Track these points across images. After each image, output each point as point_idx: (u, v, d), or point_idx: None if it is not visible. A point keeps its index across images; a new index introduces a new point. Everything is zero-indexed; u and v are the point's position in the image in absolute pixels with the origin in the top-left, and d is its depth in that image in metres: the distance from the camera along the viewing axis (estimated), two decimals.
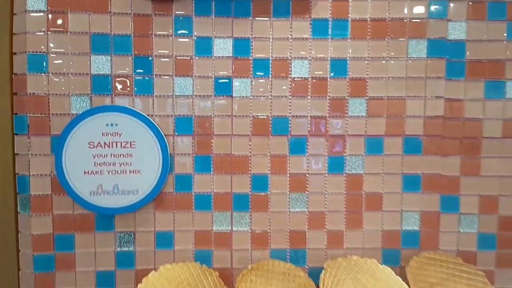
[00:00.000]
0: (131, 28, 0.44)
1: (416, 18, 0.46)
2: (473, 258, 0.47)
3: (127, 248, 0.46)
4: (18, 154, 0.44)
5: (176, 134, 0.45)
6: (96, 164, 0.44)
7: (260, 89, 0.46)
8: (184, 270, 0.44)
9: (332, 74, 0.46)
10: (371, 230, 0.47)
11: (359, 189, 0.46)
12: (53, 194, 0.44)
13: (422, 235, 0.47)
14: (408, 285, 0.43)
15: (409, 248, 0.47)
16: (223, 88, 0.45)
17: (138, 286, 0.40)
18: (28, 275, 0.45)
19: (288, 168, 0.46)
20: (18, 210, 0.45)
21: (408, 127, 0.46)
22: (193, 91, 0.45)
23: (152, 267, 0.45)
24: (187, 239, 0.46)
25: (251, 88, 0.46)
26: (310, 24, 0.45)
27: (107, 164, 0.44)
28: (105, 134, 0.44)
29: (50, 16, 0.43)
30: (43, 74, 0.43)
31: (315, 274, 0.45)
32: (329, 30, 0.45)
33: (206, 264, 0.45)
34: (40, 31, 0.43)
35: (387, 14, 0.46)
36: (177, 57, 0.45)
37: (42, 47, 0.43)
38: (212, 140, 0.46)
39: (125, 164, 0.44)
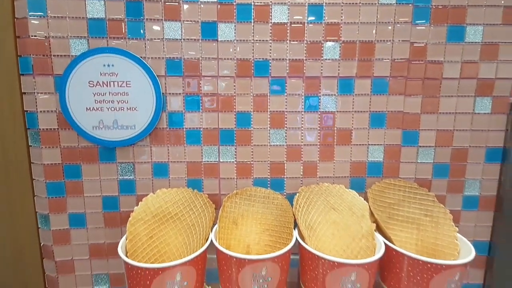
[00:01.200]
0: None
1: None
2: (428, 185, 0.54)
3: (128, 177, 0.52)
4: (25, 93, 0.49)
5: (167, 75, 0.50)
6: (96, 102, 0.49)
7: (243, 33, 0.50)
8: (178, 193, 0.51)
9: (309, 19, 0.50)
10: (341, 161, 0.54)
11: (332, 125, 0.53)
12: (59, 129, 0.50)
13: (385, 165, 0.54)
14: (369, 205, 0.51)
15: (373, 176, 0.54)
16: (209, 32, 0.50)
17: (139, 203, 0.47)
18: (43, 200, 0.52)
19: (268, 106, 0.52)
20: (30, 144, 0.51)
21: (377, 69, 0.51)
22: (181, 35, 0.49)
23: (150, 193, 0.51)
24: (180, 169, 0.53)
25: (234, 33, 0.50)
26: None
27: (106, 101, 0.49)
28: (103, 74, 0.49)
29: None
30: (43, 18, 0.47)
31: (291, 199, 0.52)
32: None
33: (197, 190, 0.53)
34: None
35: None
36: (166, 3, 0.48)
37: None
38: (200, 81, 0.51)
39: (122, 102, 0.50)
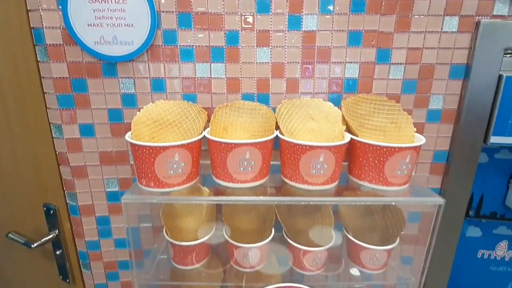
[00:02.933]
0: None
1: None
2: (398, 99, 0.61)
3: (129, 91, 0.59)
4: (30, 10, 0.53)
5: None
6: (96, 18, 0.54)
7: None
8: (175, 104, 0.57)
9: None
10: (321, 78, 0.60)
11: (313, 43, 0.58)
12: (64, 44, 0.55)
13: (359, 82, 0.60)
14: (343, 115, 0.58)
15: (349, 92, 0.60)
16: None
17: (141, 110, 0.54)
18: (55, 111, 0.58)
19: (255, 25, 0.56)
20: (38, 59, 0.56)
21: None
22: None
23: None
24: (176, 84, 0.59)
25: None
26: None
27: (106, 18, 0.54)
28: None
29: None
30: None
31: (275, 111, 0.59)
32: None
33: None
34: None
35: None
36: None
37: None
38: (191, 0, 0.55)
39: (120, 18, 0.54)
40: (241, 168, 0.47)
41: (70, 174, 0.62)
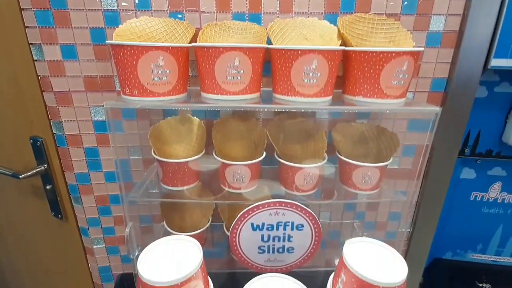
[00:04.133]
0: None
1: None
2: (398, 20, 0.58)
3: (111, 7, 0.55)
4: None
5: None
6: None
7: None
8: (160, 21, 0.54)
9: None
10: None
11: None
12: None
13: (357, 1, 0.56)
14: (339, 30, 0.54)
15: (346, 12, 0.57)
16: None
17: (123, 23, 0.50)
18: (34, 30, 0.55)
19: None
20: None
21: None
22: None
23: None
24: (162, 1, 0.55)
25: None
26: None
27: None
28: None
29: None
30: None
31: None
32: None
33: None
34: None
35: None
36: None
37: None
38: None
39: None
40: (230, 77, 0.45)
41: (55, 101, 0.60)
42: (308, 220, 0.52)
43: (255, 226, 0.52)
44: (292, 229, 0.53)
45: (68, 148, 0.64)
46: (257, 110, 0.61)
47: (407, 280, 0.37)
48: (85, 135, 0.63)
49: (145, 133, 0.63)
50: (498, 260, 0.91)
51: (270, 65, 0.50)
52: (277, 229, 0.53)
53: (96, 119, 0.62)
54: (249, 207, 0.51)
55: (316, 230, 0.53)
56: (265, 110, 0.61)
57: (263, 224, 0.52)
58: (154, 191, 0.64)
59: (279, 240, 0.54)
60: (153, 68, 0.43)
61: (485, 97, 0.71)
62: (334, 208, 0.73)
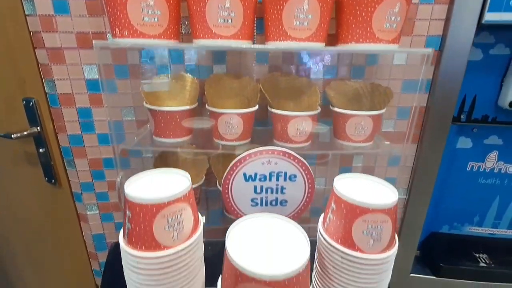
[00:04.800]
0: None
1: None
2: None
3: None
4: None
5: None
6: None
7: None
8: None
9: None
10: None
11: None
12: None
13: None
14: None
15: None
16: None
17: None
18: None
19: None
20: None
21: None
22: None
23: None
24: None
25: None
26: None
27: None
28: None
29: None
30: None
31: None
32: None
33: None
34: None
35: None
36: None
37: None
38: None
39: None
40: (221, 20, 0.44)
41: (47, 58, 0.59)
42: (301, 170, 0.52)
43: (247, 176, 0.52)
44: (285, 179, 0.52)
45: (61, 108, 0.64)
46: (250, 50, 0.61)
47: (397, 205, 0.37)
48: (78, 94, 0.63)
49: (138, 93, 0.63)
50: (495, 232, 0.91)
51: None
52: (270, 179, 0.52)
53: (89, 77, 0.62)
54: (241, 155, 0.50)
55: (309, 181, 0.52)
56: (257, 50, 0.61)
57: (255, 174, 0.52)
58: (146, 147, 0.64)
59: (272, 192, 0.53)
60: (143, 7, 0.42)
61: (480, 60, 0.70)
62: (330, 173, 0.72)
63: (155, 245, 0.33)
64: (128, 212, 0.32)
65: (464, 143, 0.82)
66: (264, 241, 0.37)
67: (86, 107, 0.64)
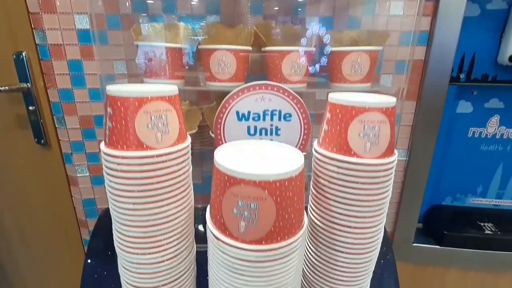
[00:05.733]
0: None
1: None
2: None
3: None
4: None
5: None
6: None
7: None
8: None
9: None
10: None
11: None
12: None
13: None
14: None
15: None
16: None
17: None
18: None
19: None
20: None
21: None
22: None
23: None
24: None
25: None
26: None
27: None
28: None
29: None
30: None
31: None
32: None
33: None
34: None
35: None
36: None
37: None
38: None
39: None
40: None
41: (38, 7, 0.59)
42: (296, 108, 0.50)
43: (240, 114, 0.50)
44: (279, 119, 0.50)
45: (51, 61, 0.62)
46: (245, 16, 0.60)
47: (395, 107, 0.34)
48: (68, 46, 0.62)
49: (130, 45, 0.62)
50: (499, 203, 0.88)
51: None
52: (264, 119, 0.50)
53: (80, 27, 0.61)
54: (234, 91, 0.48)
55: (305, 121, 0.50)
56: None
57: (249, 113, 0.50)
58: None
59: (266, 134, 0.51)
60: None
61: (477, 15, 0.69)
62: None
63: (137, 144, 0.31)
64: (109, 110, 0.30)
65: (465, 107, 0.80)
66: (255, 155, 0.35)
67: (77, 60, 0.63)
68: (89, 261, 0.57)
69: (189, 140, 0.36)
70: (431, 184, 0.86)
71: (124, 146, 0.30)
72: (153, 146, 0.31)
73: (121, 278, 0.40)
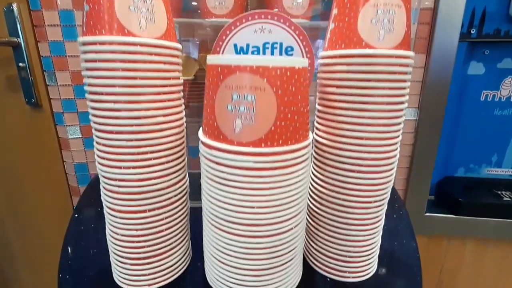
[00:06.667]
0: None
1: None
2: None
3: None
4: None
5: None
6: None
7: None
8: None
9: None
10: None
11: None
12: None
13: None
14: None
15: None
16: None
17: None
18: None
19: None
20: None
21: None
22: None
23: None
24: None
25: None
26: None
27: None
28: None
29: None
30: None
31: None
32: None
33: None
34: None
35: None
36: None
37: None
38: None
39: None
40: None
41: None
42: (299, 40, 0.46)
43: (238, 47, 0.46)
44: (280, 53, 0.47)
45: (42, 11, 0.60)
46: None
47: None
48: None
49: None
50: None
51: None
52: (264, 52, 0.47)
53: None
54: (231, 21, 0.45)
55: (309, 56, 0.47)
56: None
57: (247, 46, 0.46)
58: None
59: None
60: None
61: None
62: None
63: (118, 28, 0.27)
64: None
65: (476, 68, 0.76)
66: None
67: (69, 10, 0.60)
68: (76, 215, 0.53)
69: (180, 46, 0.33)
70: (443, 153, 0.82)
71: (103, 31, 0.27)
72: (136, 33, 0.27)
73: (103, 205, 0.35)
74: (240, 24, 0.45)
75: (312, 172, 0.38)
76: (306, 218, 0.40)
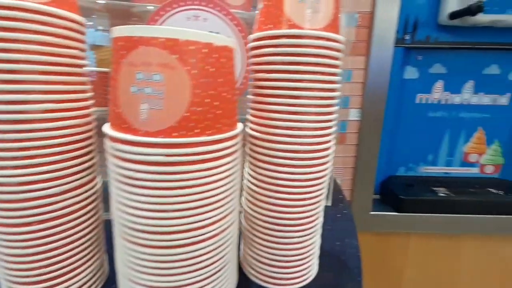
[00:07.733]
0: None
1: None
2: None
3: None
4: None
5: None
6: None
7: None
8: None
9: None
10: None
11: None
12: None
13: None
14: None
15: None
16: None
17: None
18: None
19: None
20: None
21: None
22: None
23: None
24: None
25: None
26: None
27: None
28: None
29: None
30: None
31: None
32: None
33: None
34: None
35: None
36: None
37: None
38: None
39: None
40: None
41: None
42: (236, 30, 0.43)
43: None
44: None
45: None
46: None
47: None
48: None
49: None
50: (449, 171, 0.89)
51: None
52: None
53: None
54: (159, 6, 0.40)
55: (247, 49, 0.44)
56: None
57: None
58: None
59: None
60: None
61: None
62: None
63: None
64: None
65: (411, 73, 0.81)
66: None
67: None
68: None
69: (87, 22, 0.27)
70: (386, 153, 0.85)
71: None
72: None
73: None
74: (171, 10, 0.40)
75: (247, 170, 0.35)
76: (241, 220, 0.36)
